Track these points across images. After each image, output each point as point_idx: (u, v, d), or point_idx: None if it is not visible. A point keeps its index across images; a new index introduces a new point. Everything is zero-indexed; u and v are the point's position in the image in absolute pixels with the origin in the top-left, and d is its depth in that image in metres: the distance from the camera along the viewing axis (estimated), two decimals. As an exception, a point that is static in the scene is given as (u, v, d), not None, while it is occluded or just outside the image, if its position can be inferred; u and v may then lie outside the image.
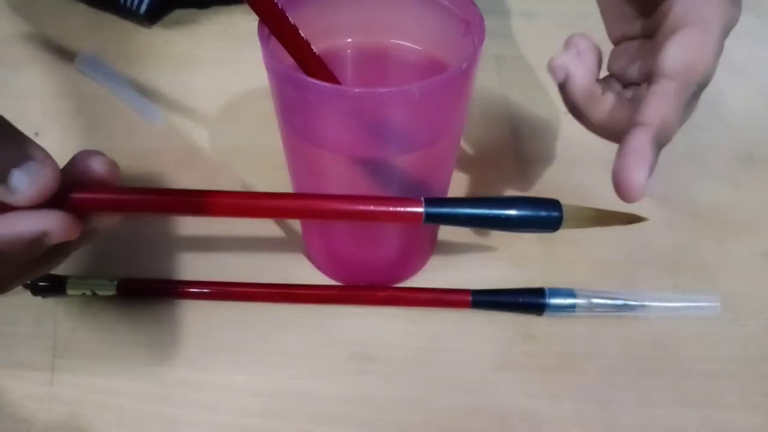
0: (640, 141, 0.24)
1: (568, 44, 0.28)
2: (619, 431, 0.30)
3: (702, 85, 0.25)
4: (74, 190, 0.23)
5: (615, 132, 0.27)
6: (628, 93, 0.29)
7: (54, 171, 0.23)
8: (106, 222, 0.25)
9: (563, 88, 0.28)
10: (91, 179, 0.24)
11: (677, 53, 0.25)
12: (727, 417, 0.30)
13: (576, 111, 0.28)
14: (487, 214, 0.25)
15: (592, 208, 0.27)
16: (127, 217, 0.25)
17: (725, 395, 0.31)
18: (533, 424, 0.30)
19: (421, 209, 0.24)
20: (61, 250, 0.25)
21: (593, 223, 0.27)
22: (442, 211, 0.25)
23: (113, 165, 0.25)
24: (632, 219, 0.28)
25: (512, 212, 0.26)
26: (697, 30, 0.25)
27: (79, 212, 0.24)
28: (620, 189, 0.25)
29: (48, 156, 0.23)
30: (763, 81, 0.47)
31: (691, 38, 0.25)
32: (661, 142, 0.25)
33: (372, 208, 0.25)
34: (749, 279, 0.35)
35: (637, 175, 0.24)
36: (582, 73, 0.27)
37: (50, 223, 0.22)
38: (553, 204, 0.26)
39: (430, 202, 0.25)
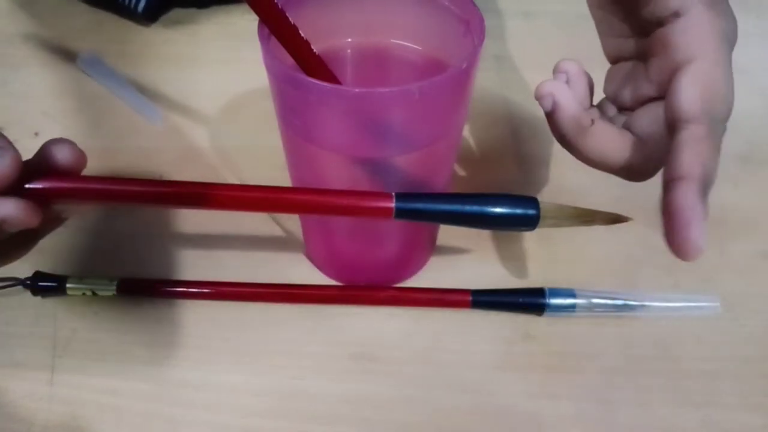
0: (686, 197, 0.22)
1: (557, 70, 0.27)
2: (619, 431, 0.30)
3: (727, 116, 0.24)
4: (33, 178, 0.23)
5: (606, 164, 0.26)
6: (621, 119, 0.28)
7: (14, 159, 0.23)
8: (70, 211, 0.25)
9: (550, 117, 0.27)
10: (55, 167, 0.24)
11: (693, 93, 0.23)
12: (727, 417, 0.30)
13: (564, 141, 0.27)
14: (460, 210, 0.25)
15: (572, 207, 0.27)
16: (98, 206, 0.25)
17: (725, 395, 0.31)
18: (533, 424, 0.30)
19: (391, 204, 0.24)
20: (26, 239, 0.25)
21: (573, 222, 0.27)
22: (414, 206, 0.24)
23: (77, 153, 0.25)
24: (616, 219, 0.27)
25: (487, 209, 0.25)
26: (704, 61, 0.24)
27: (41, 200, 0.24)
28: (679, 251, 0.23)
29: (9, 144, 0.23)
30: (763, 81, 0.47)
31: (701, 72, 0.24)
32: (706, 190, 0.23)
33: (341, 201, 0.24)
34: (749, 279, 0.35)
35: (694, 234, 0.22)
36: (570, 102, 0.26)
37: (8, 211, 0.22)
38: (531, 201, 0.25)
39: (402, 197, 0.24)
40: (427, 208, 0.25)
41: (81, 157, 0.25)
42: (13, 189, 0.23)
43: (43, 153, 0.24)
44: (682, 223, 0.22)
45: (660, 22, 0.25)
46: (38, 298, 0.33)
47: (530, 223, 0.25)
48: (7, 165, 0.23)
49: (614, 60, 0.29)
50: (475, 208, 0.25)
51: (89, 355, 0.32)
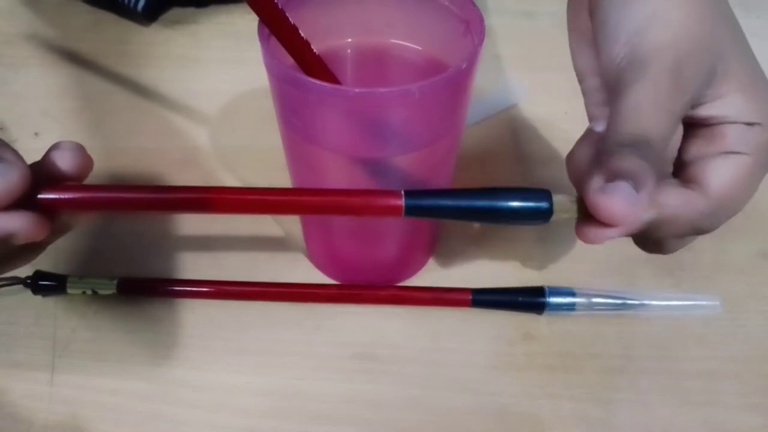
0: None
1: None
2: (619, 431, 0.30)
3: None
4: (42, 189, 0.23)
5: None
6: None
7: (22, 172, 0.22)
8: (78, 219, 0.25)
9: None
10: (59, 175, 0.24)
11: (722, 182, 0.24)
12: (727, 417, 0.30)
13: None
14: (471, 205, 0.24)
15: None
16: (102, 214, 0.25)
17: (725, 395, 0.31)
18: (533, 424, 0.30)
19: (400, 202, 0.24)
20: (34, 246, 0.25)
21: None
22: (424, 203, 0.24)
23: (84, 158, 0.25)
24: None
25: (498, 203, 0.24)
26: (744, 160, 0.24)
27: (49, 210, 0.24)
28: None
29: (18, 157, 0.23)
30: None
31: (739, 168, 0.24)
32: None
33: (349, 201, 0.24)
34: (749, 279, 0.35)
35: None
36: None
37: (18, 225, 0.22)
38: (543, 194, 0.24)
39: (411, 194, 0.24)
40: (436, 204, 0.24)
41: (88, 162, 0.25)
42: (21, 201, 0.23)
43: (50, 159, 0.24)
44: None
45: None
46: (39, 298, 0.34)
47: (543, 216, 0.24)
48: (15, 179, 0.22)
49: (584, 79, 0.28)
50: (486, 202, 0.24)
51: (89, 355, 0.32)
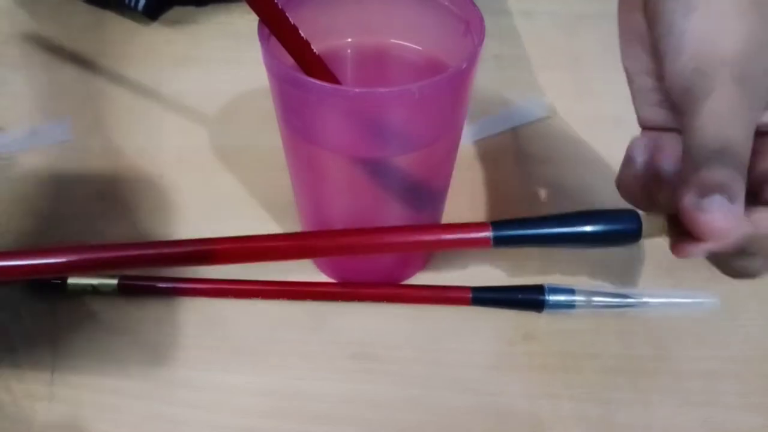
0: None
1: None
2: (619, 431, 0.30)
3: None
4: None
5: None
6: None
7: None
8: None
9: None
10: None
11: None
12: (727, 417, 0.30)
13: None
14: (559, 233, 0.24)
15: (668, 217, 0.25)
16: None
17: (725, 395, 0.31)
18: (533, 424, 0.30)
19: (488, 233, 0.24)
20: None
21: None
22: (512, 233, 0.24)
23: None
24: None
25: (587, 229, 0.24)
26: None
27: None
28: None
29: None
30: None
31: None
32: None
33: (437, 237, 0.24)
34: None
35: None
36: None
37: None
38: (631, 216, 0.24)
39: (498, 225, 0.24)
40: (524, 234, 0.24)
41: None
42: None
43: None
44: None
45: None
46: (39, 298, 0.33)
47: (632, 239, 0.24)
48: None
49: (646, 127, 0.28)
50: (575, 228, 0.24)
51: (89, 355, 0.32)
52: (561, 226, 0.24)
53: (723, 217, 0.21)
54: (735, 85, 0.23)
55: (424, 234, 0.24)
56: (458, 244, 0.24)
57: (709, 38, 0.24)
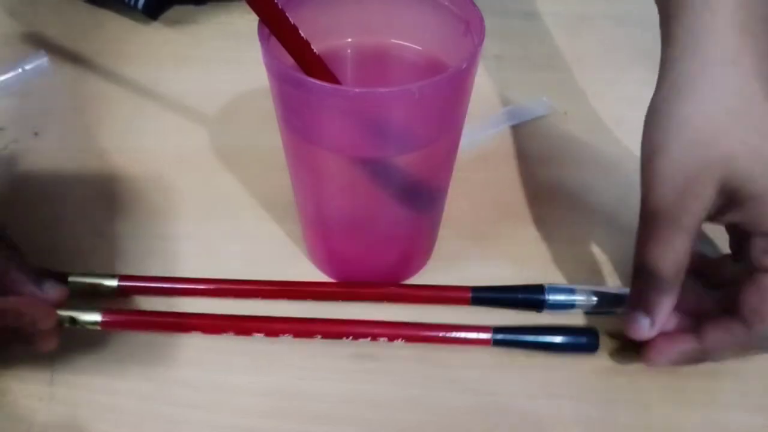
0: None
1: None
2: (619, 431, 0.30)
3: None
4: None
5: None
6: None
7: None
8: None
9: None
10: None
11: None
12: (727, 417, 0.30)
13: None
14: (538, 341, 0.32)
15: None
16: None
17: (725, 395, 0.31)
18: (533, 424, 0.30)
19: (489, 335, 0.31)
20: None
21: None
22: (509, 338, 0.32)
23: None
24: None
25: (554, 340, 0.32)
26: None
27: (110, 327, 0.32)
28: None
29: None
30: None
31: None
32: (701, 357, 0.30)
33: (443, 334, 0.32)
34: (749, 279, 0.35)
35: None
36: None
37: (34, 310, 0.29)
38: (589, 332, 0.32)
39: (499, 330, 0.31)
40: (518, 339, 0.32)
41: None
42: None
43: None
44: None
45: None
46: (38, 298, 0.33)
47: (591, 348, 0.32)
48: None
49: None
50: (547, 339, 0.32)
51: (89, 355, 0.32)
52: (539, 335, 0.32)
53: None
54: None
55: (432, 331, 0.32)
56: (462, 342, 0.32)
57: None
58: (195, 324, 0.32)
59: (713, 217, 0.28)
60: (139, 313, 0.33)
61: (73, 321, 0.31)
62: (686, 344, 0.29)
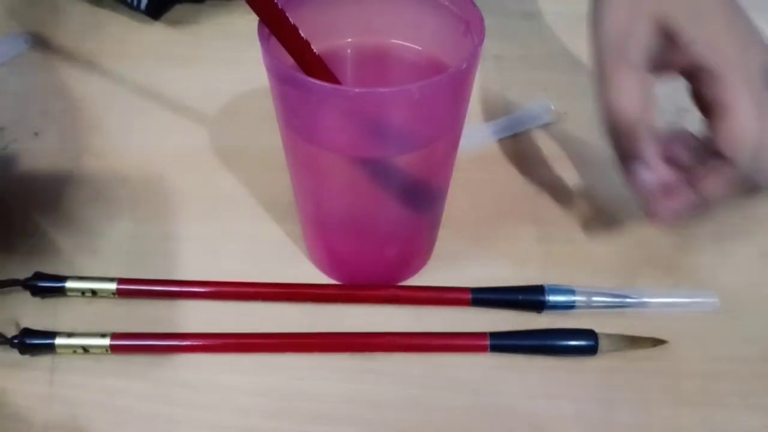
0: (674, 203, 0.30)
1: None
2: (619, 431, 0.30)
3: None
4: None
5: None
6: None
7: None
8: None
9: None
10: None
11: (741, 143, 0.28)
12: (727, 417, 0.30)
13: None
14: (537, 344, 0.32)
15: (623, 336, 0.32)
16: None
17: (725, 395, 0.31)
18: (533, 425, 0.30)
19: (486, 342, 0.32)
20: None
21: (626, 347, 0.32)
22: (505, 343, 0.32)
23: None
24: (656, 342, 0.32)
25: (557, 343, 0.32)
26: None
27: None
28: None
29: None
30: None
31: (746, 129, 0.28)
32: (696, 208, 0.30)
33: (440, 343, 0.32)
34: (748, 279, 0.35)
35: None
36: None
37: None
38: (588, 333, 0.32)
39: (495, 335, 0.32)
40: (515, 344, 0.32)
41: None
42: None
43: None
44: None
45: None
46: (38, 299, 0.33)
47: (590, 351, 0.32)
48: None
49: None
50: (547, 342, 0.32)
51: (89, 355, 0.32)
52: (539, 340, 0.32)
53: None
54: None
55: (430, 339, 0.32)
56: (459, 348, 0.32)
57: None
58: (203, 347, 0.32)
59: (665, 63, 0.30)
60: (146, 337, 0.32)
61: (85, 350, 0.31)
62: (685, 196, 0.30)
